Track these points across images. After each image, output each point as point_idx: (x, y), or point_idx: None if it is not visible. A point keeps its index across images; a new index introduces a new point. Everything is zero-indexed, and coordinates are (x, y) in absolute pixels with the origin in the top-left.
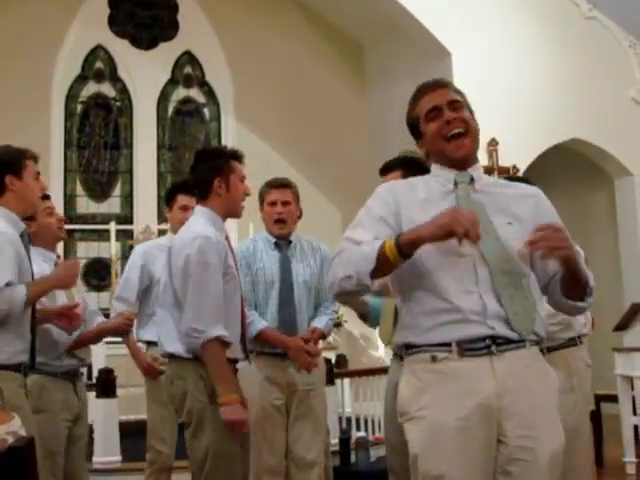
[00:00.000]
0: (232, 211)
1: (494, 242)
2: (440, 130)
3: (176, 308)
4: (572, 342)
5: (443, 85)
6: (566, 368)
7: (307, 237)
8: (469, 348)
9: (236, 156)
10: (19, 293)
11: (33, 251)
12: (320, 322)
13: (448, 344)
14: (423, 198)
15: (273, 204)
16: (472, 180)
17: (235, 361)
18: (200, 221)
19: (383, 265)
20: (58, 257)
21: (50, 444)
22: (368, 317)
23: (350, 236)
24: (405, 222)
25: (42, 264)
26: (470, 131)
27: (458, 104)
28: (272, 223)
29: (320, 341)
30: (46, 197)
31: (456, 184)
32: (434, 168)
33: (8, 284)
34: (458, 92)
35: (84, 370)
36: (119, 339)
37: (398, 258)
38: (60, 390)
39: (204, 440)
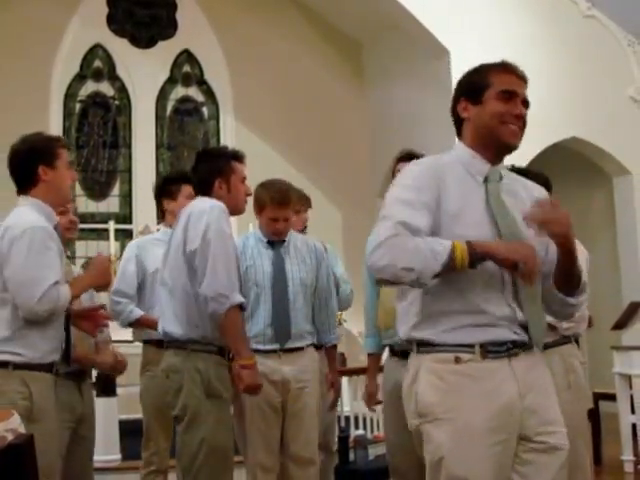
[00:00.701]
0: (233, 211)
1: None
2: (505, 115)
3: (188, 278)
4: (567, 339)
5: (525, 79)
6: (562, 365)
7: (302, 236)
8: (492, 350)
9: (237, 157)
10: (65, 293)
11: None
12: (330, 339)
13: (471, 345)
14: (457, 188)
15: (275, 220)
16: (501, 178)
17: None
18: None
19: (445, 268)
20: (68, 257)
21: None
22: None
23: (405, 220)
24: (444, 214)
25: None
26: (523, 132)
27: (527, 106)
28: (271, 233)
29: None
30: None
31: (486, 180)
32: (463, 152)
33: (56, 282)
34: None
35: (92, 371)
36: (119, 338)
37: (466, 266)
38: (62, 390)
39: (199, 433)
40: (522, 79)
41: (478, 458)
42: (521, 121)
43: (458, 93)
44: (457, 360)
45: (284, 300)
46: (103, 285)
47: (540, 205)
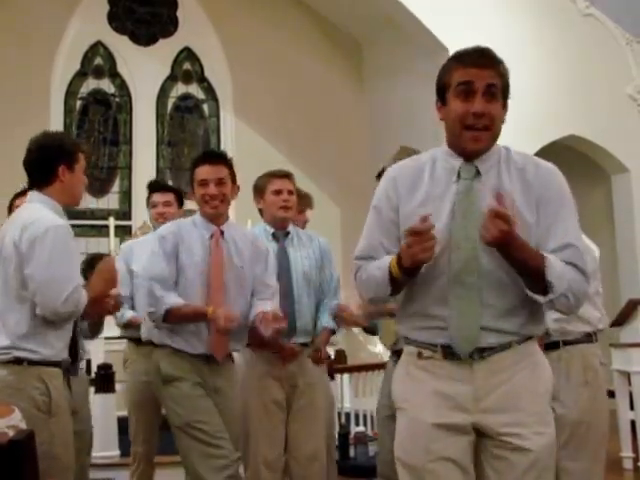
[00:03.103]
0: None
1: (465, 252)
2: (464, 117)
3: None
4: (589, 338)
5: (487, 63)
6: (580, 362)
7: (306, 230)
8: (453, 353)
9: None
10: (84, 296)
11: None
12: (328, 322)
13: (434, 345)
14: (426, 190)
15: (278, 192)
16: (479, 173)
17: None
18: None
19: (398, 284)
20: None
21: None
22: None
23: (359, 253)
24: (402, 219)
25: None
26: (493, 129)
27: (494, 89)
28: (278, 208)
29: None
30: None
31: (459, 176)
32: (443, 149)
33: (79, 284)
34: (501, 74)
35: (83, 365)
36: (118, 334)
37: (406, 278)
38: None
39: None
40: (482, 65)
41: (418, 451)
42: (484, 118)
43: (436, 93)
44: (419, 355)
45: (289, 295)
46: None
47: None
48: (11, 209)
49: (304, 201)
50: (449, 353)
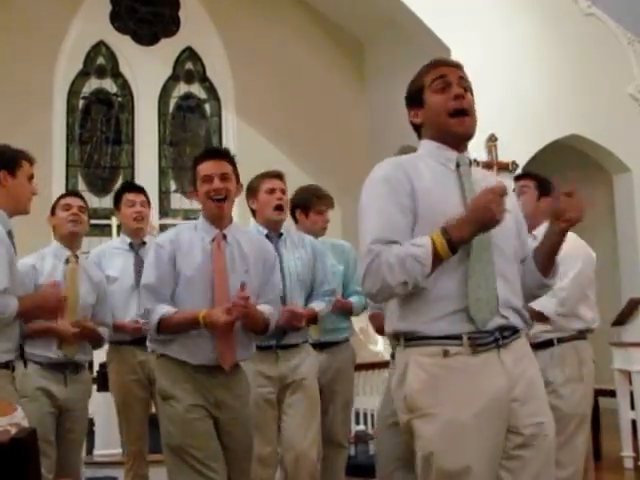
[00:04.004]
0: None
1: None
2: (446, 103)
3: None
4: (582, 335)
5: (455, 64)
6: (576, 358)
7: (297, 232)
8: (480, 343)
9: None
10: (12, 305)
11: (47, 247)
12: (318, 306)
13: (458, 337)
14: (431, 177)
15: (272, 191)
16: (471, 164)
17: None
18: None
19: (435, 264)
20: (76, 257)
21: None
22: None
23: (377, 236)
24: (420, 195)
25: (54, 260)
26: (472, 113)
27: (466, 83)
28: (272, 209)
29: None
30: (74, 194)
31: (458, 165)
32: (429, 145)
33: (4, 291)
34: (466, 77)
35: (85, 364)
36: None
37: (449, 255)
38: (43, 379)
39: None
40: (452, 65)
41: (467, 453)
42: (464, 101)
43: (406, 104)
44: (445, 353)
45: (282, 296)
46: (48, 318)
47: (558, 195)
48: None
49: (325, 201)
50: (476, 344)
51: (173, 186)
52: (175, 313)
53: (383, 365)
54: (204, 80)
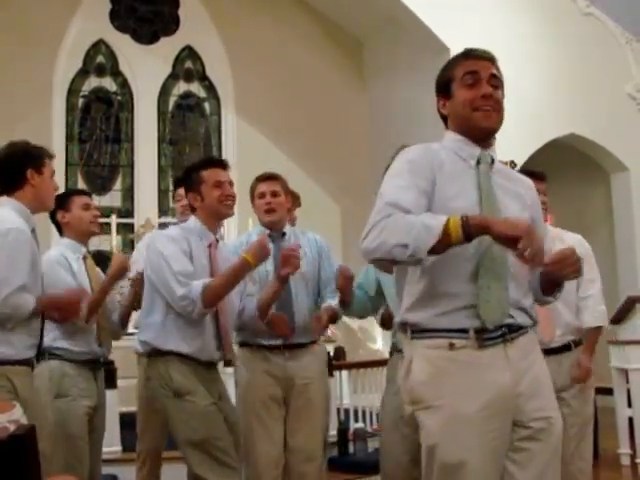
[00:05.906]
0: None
1: None
2: (473, 101)
3: None
4: (597, 331)
5: (490, 58)
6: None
7: (302, 230)
8: (487, 337)
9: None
10: (28, 303)
11: (62, 242)
12: (334, 303)
13: (465, 330)
14: (451, 171)
15: (262, 196)
16: (493, 162)
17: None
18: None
19: (440, 243)
20: (88, 252)
21: (70, 428)
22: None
23: (396, 201)
24: (438, 186)
25: (73, 256)
26: (500, 112)
27: (498, 81)
28: (262, 213)
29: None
30: (84, 193)
31: (479, 162)
32: (454, 138)
33: (21, 287)
34: (499, 71)
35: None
36: None
37: (461, 239)
38: (81, 377)
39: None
40: (485, 59)
41: (471, 445)
42: (491, 100)
43: (436, 92)
44: (451, 346)
45: (287, 295)
46: (61, 321)
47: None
48: None
49: (292, 200)
50: (483, 338)
51: (172, 185)
52: (217, 276)
53: (381, 363)
54: (204, 79)
